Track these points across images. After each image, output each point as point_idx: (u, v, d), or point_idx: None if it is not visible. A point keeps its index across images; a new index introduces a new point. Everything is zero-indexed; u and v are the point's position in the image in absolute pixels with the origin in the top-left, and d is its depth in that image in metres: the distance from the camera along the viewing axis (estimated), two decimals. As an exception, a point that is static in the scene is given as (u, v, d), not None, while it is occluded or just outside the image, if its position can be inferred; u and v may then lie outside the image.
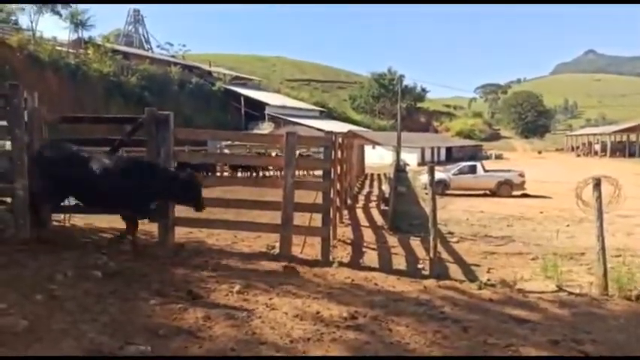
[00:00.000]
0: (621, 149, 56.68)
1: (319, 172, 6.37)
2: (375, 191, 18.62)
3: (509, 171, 22.12)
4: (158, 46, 71.78)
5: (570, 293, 5.42)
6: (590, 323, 4.29)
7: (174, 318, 3.66)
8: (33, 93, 5.86)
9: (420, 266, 6.65)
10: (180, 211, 6.11)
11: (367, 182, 23.29)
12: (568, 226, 11.44)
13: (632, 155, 53.69)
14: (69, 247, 5.35)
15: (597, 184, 5.51)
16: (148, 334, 3.28)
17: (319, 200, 6.37)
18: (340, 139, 9.51)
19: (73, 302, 3.72)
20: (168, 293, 4.17)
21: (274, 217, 6.18)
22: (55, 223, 6.57)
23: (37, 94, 5.93)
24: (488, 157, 56.63)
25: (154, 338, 3.23)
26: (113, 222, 6.85)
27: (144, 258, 5.25)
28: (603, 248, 5.49)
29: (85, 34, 44.63)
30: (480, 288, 5.32)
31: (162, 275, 4.70)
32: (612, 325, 4.27)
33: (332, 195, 6.95)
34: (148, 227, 5.98)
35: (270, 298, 4.31)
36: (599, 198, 5.50)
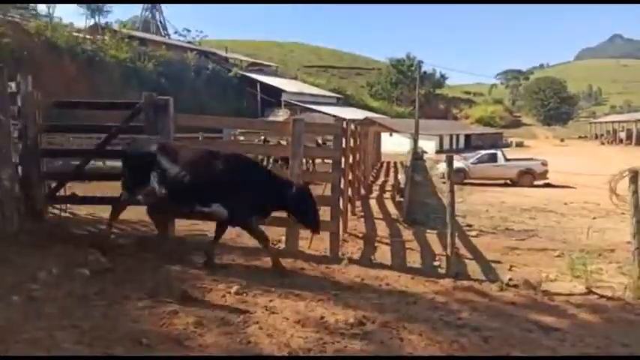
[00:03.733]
0: (648, 137, 54.63)
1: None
2: (391, 180, 18.13)
3: (531, 159, 21.35)
4: (175, 33, 71.56)
5: (601, 296, 4.95)
6: (626, 333, 3.85)
7: (163, 324, 3.34)
8: (26, 76, 5.57)
9: (436, 263, 6.23)
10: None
11: (383, 171, 22.76)
12: (594, 218, 10.84)
13: (659, 144, 51.83)
14: (62, 241, 5.06)
15: (634, 176, 5.01)
16: (130, 344, 2.97)
17: (328, 192, 5.99)
18: (353, 126, 9.06)
19: (53, 305, 3.42)
20: (160, 294, 3.86)
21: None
22: (54, 213, 6.32)
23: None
24: (508, 145, 55.27)
25: (136, 348, 2.91)
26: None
27: (139, 253, 4.94)
28: (639, 247, 5.00)
29: (102, 20, 44.67)
30: (501, 289, 4.90)
31: (156, 273, 4.39)
32: (651, 335, 3.82)
33: (342, 186, 6.55)
34: (148, 219, 5.66)
35: (271, 300, 3.97)
36: (635, 192, 5.00)
